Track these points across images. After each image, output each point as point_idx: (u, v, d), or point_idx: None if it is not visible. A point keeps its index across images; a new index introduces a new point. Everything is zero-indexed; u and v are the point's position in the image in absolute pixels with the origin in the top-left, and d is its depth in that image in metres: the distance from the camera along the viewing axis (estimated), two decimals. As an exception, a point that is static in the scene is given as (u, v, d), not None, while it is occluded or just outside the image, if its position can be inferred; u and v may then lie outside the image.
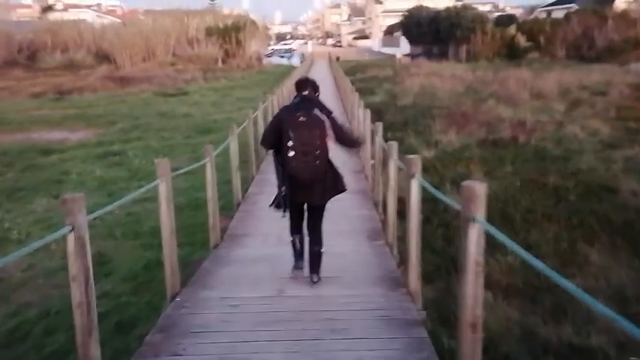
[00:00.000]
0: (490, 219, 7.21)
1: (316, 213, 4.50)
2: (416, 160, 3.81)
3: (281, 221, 6.33)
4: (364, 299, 3.85)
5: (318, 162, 4.12)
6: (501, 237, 2.31)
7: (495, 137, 12.57)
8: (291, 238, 4.66)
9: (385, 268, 4.53)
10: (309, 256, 4.52)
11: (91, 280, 2.59)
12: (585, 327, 4.73)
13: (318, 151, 4.10)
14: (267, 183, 8.36)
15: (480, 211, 2.47)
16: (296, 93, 4.44)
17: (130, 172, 11.53)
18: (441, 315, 4.89)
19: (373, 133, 7.08)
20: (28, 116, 20.78)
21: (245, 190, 8.12)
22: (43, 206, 9.34)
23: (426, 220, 7.79)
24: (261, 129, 10.62)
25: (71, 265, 2.42)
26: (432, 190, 3.43)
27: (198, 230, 7.18)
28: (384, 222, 5.84)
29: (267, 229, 5.91)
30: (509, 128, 13.16)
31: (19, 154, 13.50)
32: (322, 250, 4.46)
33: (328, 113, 4.27)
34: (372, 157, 8.57)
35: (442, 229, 7.13)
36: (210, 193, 5.33)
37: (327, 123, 4.14)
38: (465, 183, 2.58)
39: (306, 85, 4.40)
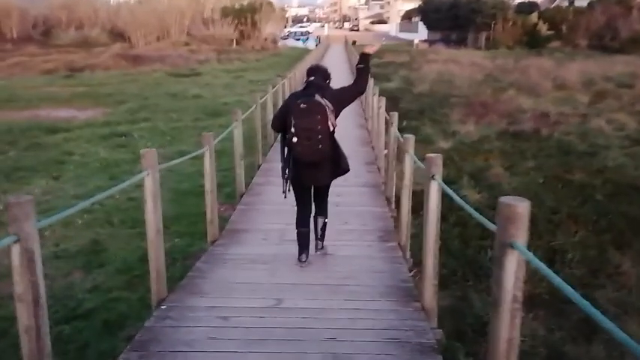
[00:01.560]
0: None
1: (322, 192, 4.66)
2: (436, 160, 3.31)
3: (284, 216, 5.90)
4: (372, 315, 3.38)
5: (320, 146, 4.21)
6: (548, 272, 1.83)
7: (516, 129, 11.99)
8: (297, 231, 4.60)
9: (397, 277, 4.06)
10: (314, 226, 4.65)
11: (43, 300, 2.13)
12: (619, 347, 4.25)
13: (320, 136, 4.18)
14: (274, 172, 7.89)
15: (521, 236, 1.99)
16: (306, 77, 4.50)
17: (135, 154, 11.06)
18: (458, 328, 4.44)
19: (387, 123, 6.56)
20: (37, 93, 20.46)
21: (250, 179, 7.66)
22: (41, 188, 8.95)
23: (441, 218, 7.35)
24: (270, 114, 10.13)
25: (16, 283, 1.97)
26: (457, 198, 2.94)
27: (200, 220, 6.78)
28: (397, 220, 5.37)
29: (270, 225, 5.45)
30: (532, 120, 12.56)
31: (23, 132, 13.14)
32: (326, 220, 4.65)
33: (332, 94, 4.34)
34: (386, 148, 8.07)
35: (459, 229, 6.63)
36: (209, 184, 4.88)
37: (329, 108, 4.20)
38: (503, 200, 2.10)
39: (314, 71, 4.49)
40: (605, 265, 5.63)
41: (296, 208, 4.63)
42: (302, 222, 4.57)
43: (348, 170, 4.56)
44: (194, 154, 5.07)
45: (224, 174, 9.20)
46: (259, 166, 8.29)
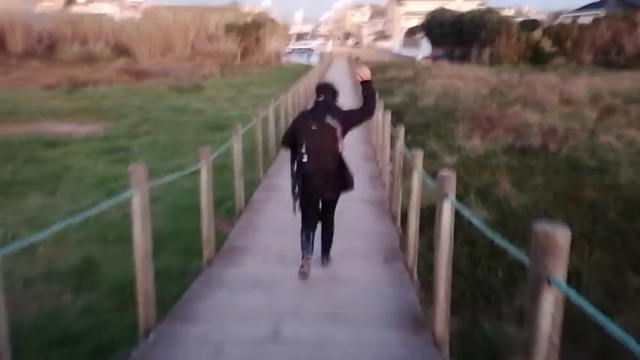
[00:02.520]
0: (522, 237, 6.35)
1: (329, 206, 4.79)
2: (449, 178, 3.05)
3: (284, 235, 5.64)
4: (379, 349, 3.08)
5: (329, 166, 4.43)
6: (599, 316, 1.56)
7: (524, 144, 11.72)
8: (303, 232, 4.72)
9: (405, 302, 3.77)
10: (322, 241, 4.76)
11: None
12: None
13: (329, 156, 4.40)
14: (275, 188, 7.64)
15: (559, 270, 1.72)
16: (316, 95, 4.65)
17: (134, 169, 10.90)
18: (470, 357, 4.15)
19: (393, 138, 6.31)
20: (39, 107, 20.31)
21: (250, 194, 7.41)
22: (37, 203, 8.72)
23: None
24: (272, 128, 9.91)
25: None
26: (478, 222, 2.66)
27: (198, 237, 6.52)
28: (403, 240, 5.10)
29: (269, 244, 5.18)
30: (539, 135, 12.28)
31: (22, 146, 12.94)
32: (332, 231, 4.75)
33: (341, 115, 4.46)
34: (391, 162, 7.83)
35: (468, 248, 6.34)
36: (206, 201, 4.62)
37: (339, 130, 4.36)
38: (539, 228, 1.82)
39: (323, 89, 4.62)
40: (623, 289, 5.33)
41: (301, 222, 4.73)
42: (307, 228, 4.68)
43: (353, 188, 4.69)
44: (189, 170, 4.81)
45: (224, 189, 8.97)
46: (260, 182, 8.03)
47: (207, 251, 4.73)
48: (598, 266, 5.87)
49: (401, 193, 6.13)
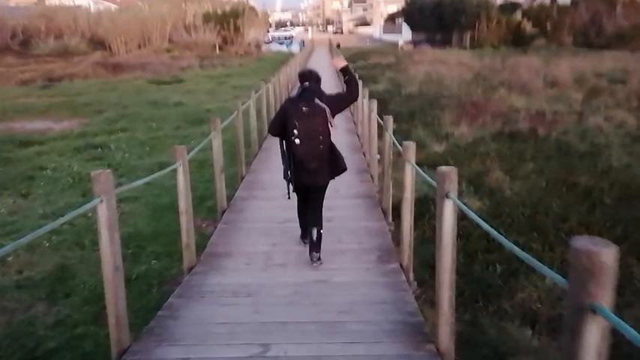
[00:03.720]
0: (519, 229, 6.06)
1: (318, 194, 4.79)
2: (450, 174, 2.73)
3: (269, 236, 5.30)
4: (378, 365, 2.79)
5: (321, 147, 4.44)
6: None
7: (512, 130, 11.48)
8: (299, 218, 5.00)
9: (403, 308, 3.46)
10: (310, 242, 4.67)
11: None
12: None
13: (321, 137, 4.42)
14: (259, 184, 7.29)
15: (605, 296, 1.40)
16: (300, 82, 4.72)
17: (110, 167, 10.41)
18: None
19: (382, 128, 5.98)
20: (12, 105, 19.66)
21: (234, 190, 7.04)
22: (8, 207, 8.27)
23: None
24: (254, 121, 9.53)
25: None
26: (491, 230, 2.33)
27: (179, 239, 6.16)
28: (396, 237, 4.79)
29: (254, 247, 4.83)
30: (527, 120, 12.05)
31: (-7, 146, 12.41)
32: (321, 231, 4.65)
33: (327, 98, 4.54)
34: (379, 154, 7.51)
35: (462, 242, 6.06)
36: (184, 204, 4.25)
37: (328, 110, 4.41)
38: (579, 245, 1.49)
39: (307, 76, 4.70)
40: (628, 280, 5.08)
41: (296, 204, 4.93)
42: (303, 210, 4.86)
43: (346, 169, 4.78)
44: (163, 171, 4.42)
45: (206, 185, 8.59)
46: (242, 178, 7.65)
47: (187, 257, 4.37)
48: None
49: (391, 186, 5.82)
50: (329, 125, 4.39)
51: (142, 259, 6.24)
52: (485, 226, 2.37)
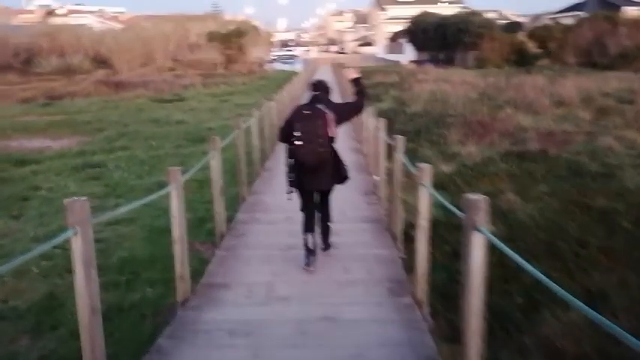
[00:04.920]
0: (535, 254, 5.69)
1: (324, 198, 4.99)
2: (480, 203, 2.39)
3: (271, 264, 4.93)
4: None
5: (322, 149, 4.55)
6: None
7: (521, 149, 11.14)
8: (304, 237, 4.88)
9: (422, 353, 3.08)
10: (321, 232, 4.99)
11: None
12: None
13: (321, 139, 4.54)
14: (261, 206, 6.95)
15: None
16: (310, 93, 4.94)
17: (108, 187, 10.13)
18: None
19: (391, 148, 5.66)
20: (11, 123, 19.45)
21: (234, 212, 6.69)
22: (-2, 229, 7.93)
23: (453, 255, 6.40)
24: (256, 140, 9.23)
25: None
26: (532, 269, 1.99)
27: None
28: (407, 265, 4.43)
29: (254, 277, 4.47)
30: (537, 139, 11.73)
31: (-12, 165, 12.11)
32: (330, 224, 5.00)
33: (333, 106, 4.74)
34: (386, 174, 7.18)
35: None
36: (177, 231, 3.90)
37: (330, 115, 4.57)
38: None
39: (317, 86, 4.94)
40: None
41: (302, 216, 4.96)
42: (307, 227, 4.84)
43: (348, 177, 4.94)
44: (152, 196, 4.06)
45: (206, 206, 8.25)
46: (244, 200, 7.30)
47: (181, 289, 4.01)
48: (624, 286, 5.25)
49: (401, 209, 5.47)
50: (329, 129, 4.52)
51: (137, 287, 5.88)
52: (528, 267, 2.02)
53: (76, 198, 2.64)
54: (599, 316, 1.73)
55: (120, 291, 5.74)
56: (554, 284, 2.11)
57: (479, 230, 2.34)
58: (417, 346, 3.17)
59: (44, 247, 2.50)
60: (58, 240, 2.54)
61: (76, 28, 48.64)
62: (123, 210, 3.65)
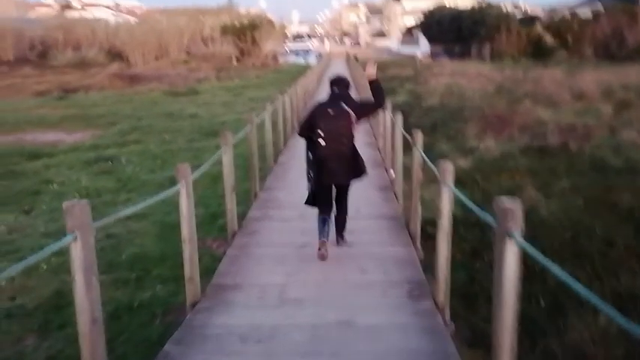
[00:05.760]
0: (560, 255, 5.43)
1: (342, 192, 5.08)
2: (514, 210, 2.17)
3: (285, 263, 4.75)
4: None
5: (344, 148, 4.77)
6: None
7: (542, 144, 10.84)
8: (319, 217, 4.98)
9: (443, 362, 2.90)
10: (336, 222, 5.08)
11: None
12: None
13: (345, 139, 4.75)
14: (274, 203, 6.76)
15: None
16: (329, 89, 5.02)
17: (120, 181, 10.02)
18: None
19: (412, 144, 5.43)
20: (26, 116, 19.49)
21: (247, 208, 6.50)
22: (8, 223, 7.83)
23: (472, 254, 6.16)
24: (269, 134, 9.05)
25: None
26: (583, 291, 1.78)
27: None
28: (427, 266, 4.22)
29: (267, 277, 4.28)
30: (557, 133, 11.41)
31: (1, 159, 12.06)
32: (347, 216, 5.09)
33: (354, 104, 4.87)
34: (403, 170, 6.96)
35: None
36: (187, 231, 3.72)
37: (353, 115, 4.74)
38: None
39: (337, 82, 5.03)
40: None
41: (317, 207, 5.05)
42: (323, 211, 4.95)
43: (366, 173, 5.07)
44: (157, 197, 3.85)
45: (219, 201, 8.08)
46: (256, 195, 7.11)
47: (191, 291, 3.84)
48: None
49: (419, 207, 5.26)
50: (352, 128, 4.70)
51: (147, 284, 5.74)
52: (565, 277, 1.81)
53: (75, 200, 2.46)
54: (630, 323, 1.54)
55: (130, 288, 5.61)
56: (586, 290, 1.91)
57: (511, 237, 2.13)
58: (440, 356, 2.96)
59: (37, 257, 2.32)
60: (56, 246, 2.37)
61: (91, 22, 48.80)
62: (127, 212, 3.47)
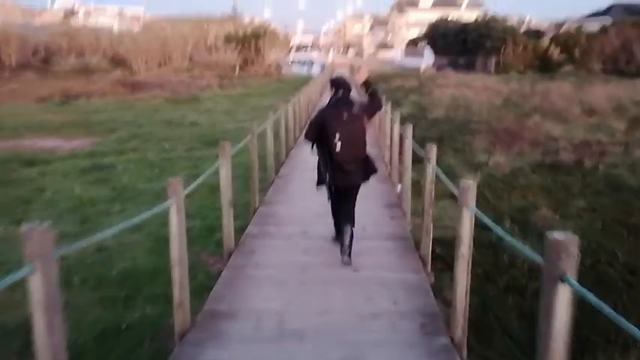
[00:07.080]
0: (581, 280, 5.02)
1: (352, 194, 5.08)
2: (568, 246, 1.79)
3: (284, 287, 4.35)
4: None
5: (360, 151, 4.86)
6: None
7: (554, 160, 10.45)
8: (334, 218, 5.25)
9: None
10: (343, 233, 4.95)
11: None
12: None
13: (360, 141, 4.84)
14: (273, 219, 6.37)
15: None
16: (332, 90, 4.99)
17: (115, 190, 9.66)
18: None
19: (425, 159, 5.06)
20: (26, 121, 19.19)
21: (243, 227, 6.11)
22: (-3, 235, 7.45)
23: (485, 278, 5.76)
24: (270, 145, 8.68)
25: None
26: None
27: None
28: (438, 292, 3.82)
29: (264, 304, 3.87)
30: (571, 150, 11.02)
31: (-2, 165, 11.72)
32: (353, 229, 4.92)
33: (361, 106, 4.93)
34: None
35: (515, 296, 5.07)
36: (177, 252, 3.34)
37: (365, 118, 4.90)
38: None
39: (340, 84, 4.97)
40: None
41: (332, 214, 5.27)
42: (338, 210, 5.06)
43: (376, 171, 5.11)
44: (146, 213, 3.48)
45: (217, 214, 7.70)
46: (255, 210, 6.72)
47: (180, 320, 3.44)
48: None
49: (431, 227, 4.87)
50: (365, 130, 4.82)
51: (137, 304, 5.36)
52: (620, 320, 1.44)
53: (36, 224, 2.08)
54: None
55: (116, 309, 5.23)
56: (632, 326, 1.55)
57: (564, 281, 1.75)
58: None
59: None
60: (10, 280, 1.99)
61: (95, 29, 48.80)
62: (99, 237, 3.05)
